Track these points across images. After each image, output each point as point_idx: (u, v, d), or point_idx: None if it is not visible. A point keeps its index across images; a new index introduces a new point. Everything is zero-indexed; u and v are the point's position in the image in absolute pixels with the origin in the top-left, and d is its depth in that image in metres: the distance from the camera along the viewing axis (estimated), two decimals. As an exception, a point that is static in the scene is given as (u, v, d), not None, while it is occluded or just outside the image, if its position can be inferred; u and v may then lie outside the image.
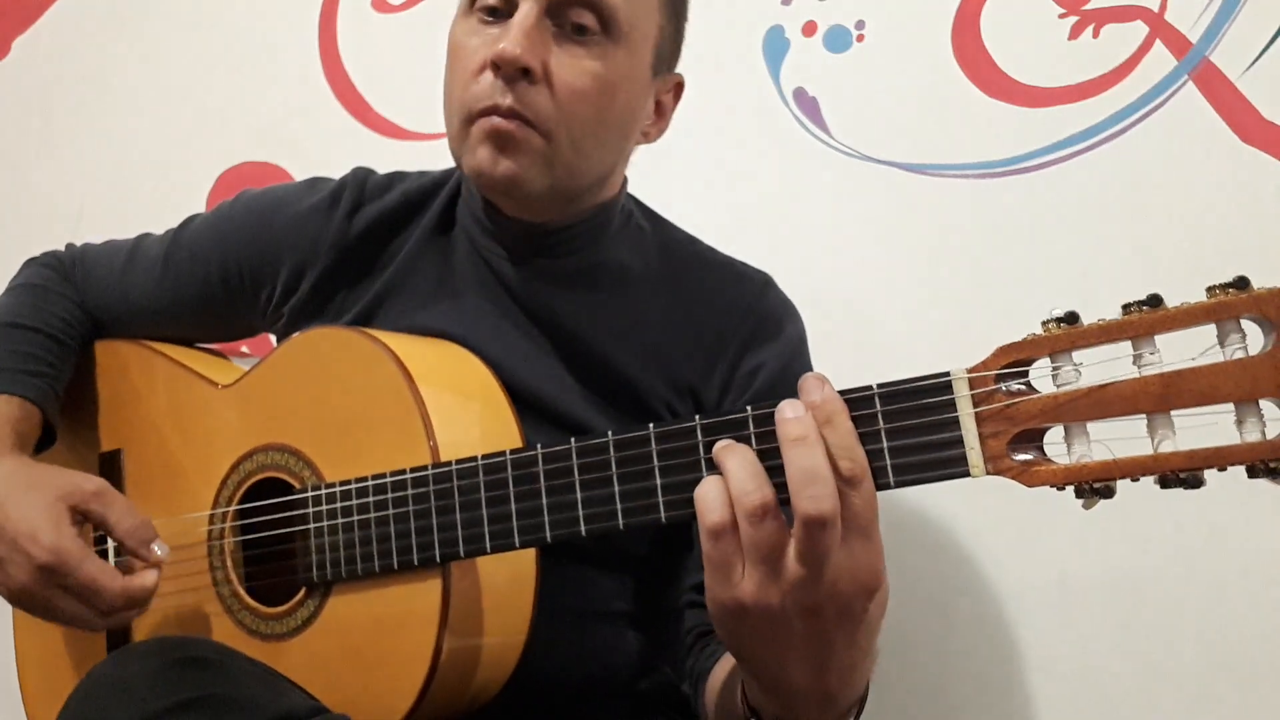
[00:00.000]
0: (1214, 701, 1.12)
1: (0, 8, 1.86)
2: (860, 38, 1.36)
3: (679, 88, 1.03)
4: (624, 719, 0.99)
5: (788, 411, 0.64)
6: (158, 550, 0.90)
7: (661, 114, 1.02)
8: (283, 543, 0.89)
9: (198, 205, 1.64)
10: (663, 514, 0.71)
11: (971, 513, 1.22)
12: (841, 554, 0.62)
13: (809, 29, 1.38)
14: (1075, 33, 1.26)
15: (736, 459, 0.65)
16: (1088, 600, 1.18)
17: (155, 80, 1.76)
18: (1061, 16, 1.26)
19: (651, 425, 0.72)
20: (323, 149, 1.61)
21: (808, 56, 1.38)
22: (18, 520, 0.87)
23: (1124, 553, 1.15)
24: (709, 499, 0.64)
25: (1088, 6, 1.25)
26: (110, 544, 1.01)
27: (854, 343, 1.27)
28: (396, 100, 1.62)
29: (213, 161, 1.69)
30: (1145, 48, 1.22)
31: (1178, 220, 1.19)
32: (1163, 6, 1.22)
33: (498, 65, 0.87)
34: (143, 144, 1.75)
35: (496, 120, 0.88)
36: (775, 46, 1.40)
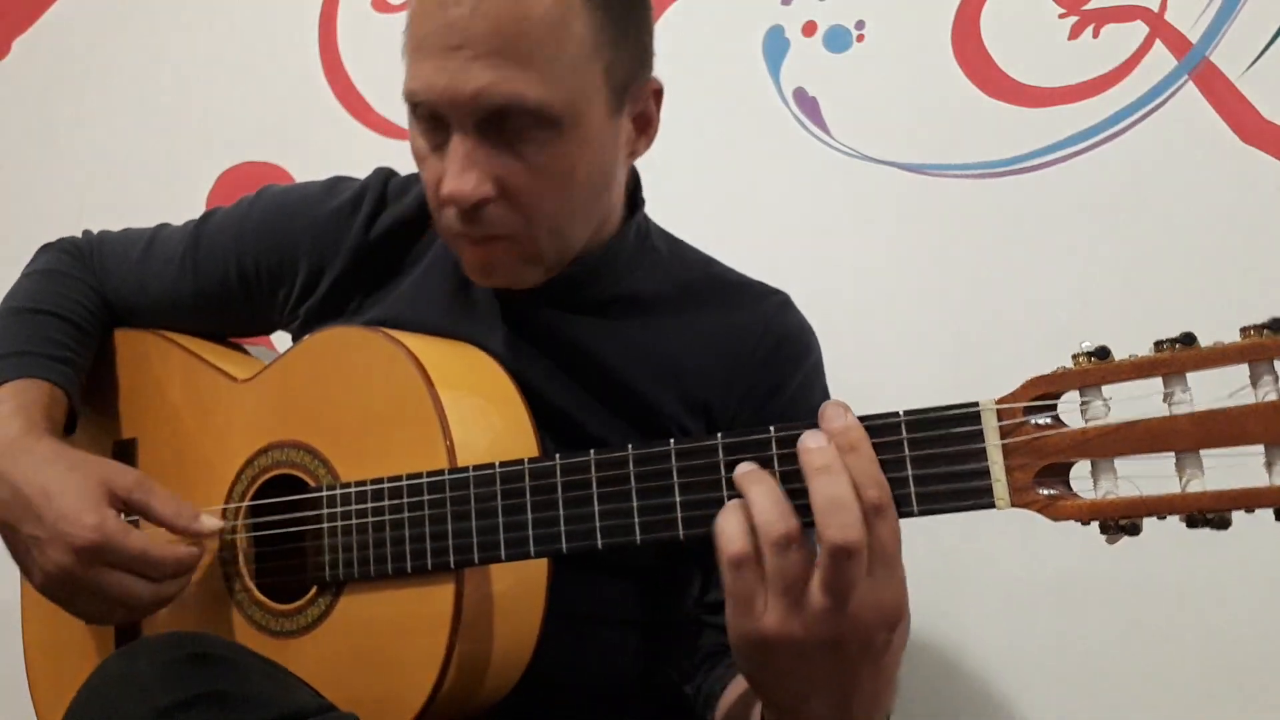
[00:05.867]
0: (1215, 703, 1.13)
1: (0, 8, 1.86)
2: (860, 38, 1.36)
3: (658, 94, 0.94)
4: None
5: (810, 441, 0.64)
6: (206, 522, 0.90)
7: (647, 125, 0.95)
8: (296, 540, 0.89)
9: (198, 205, 1.64)
10: (681, 532, 0.70)
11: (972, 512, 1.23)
12: (865, 585, 0.62)
13: (809, 29, 1.38)
14: (1075, 33, 1.26)
15: (760, 487, 0.64)
16: (1089, 600, 1.18)
17: (155, 80, 1.76)
18: (1061, 16, 1.26)
19: (672, 441, 0.71)
20: (323, 149, 1.61)
21: (808, 56, 1.38)
22: (60, 503, 0.86)
23: (1124, 552, 1.15)
24: (729, 530, 0.63)
25: (1088, 6, 1.25)
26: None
27: (854, 342, 1.27)
28: (396, 100, 1.59)
29: (213, 161, 1.69)
30: (1145, 48, 1.23)
31: (1178, 220, 1.19)
32: (1163, 6, 1.22)
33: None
34: (143, 144, 1.75)
35: (472, 249, 0.89)
36: (775, 46, 1.40)
